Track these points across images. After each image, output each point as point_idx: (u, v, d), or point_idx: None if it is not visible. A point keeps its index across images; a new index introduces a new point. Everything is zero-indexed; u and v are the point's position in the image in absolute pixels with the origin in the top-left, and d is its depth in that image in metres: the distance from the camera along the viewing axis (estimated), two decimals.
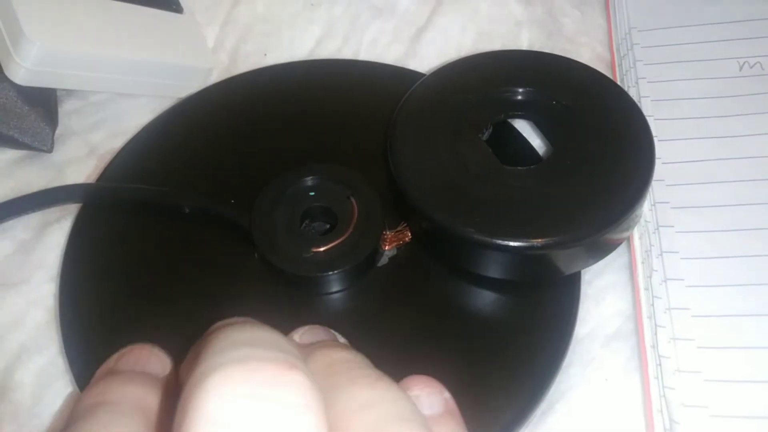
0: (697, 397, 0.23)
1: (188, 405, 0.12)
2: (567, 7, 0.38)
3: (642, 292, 0.26)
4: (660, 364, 0.24)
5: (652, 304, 0.25)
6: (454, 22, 0.38)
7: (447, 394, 0.18)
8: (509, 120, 0.29)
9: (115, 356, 0.19)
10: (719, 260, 0.26)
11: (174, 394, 0.16)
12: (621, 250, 0.27)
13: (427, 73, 0.30)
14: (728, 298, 0.25)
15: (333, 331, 0.20)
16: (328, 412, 0.13)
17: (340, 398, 0.14)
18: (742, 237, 0.26)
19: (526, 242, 0.24)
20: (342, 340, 0.20)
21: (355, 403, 0.14)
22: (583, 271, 0.27)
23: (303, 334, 0.19)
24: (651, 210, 0.28)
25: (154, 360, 0.19)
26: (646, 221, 0.28)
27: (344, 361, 0.16)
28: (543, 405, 0.25)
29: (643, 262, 0.27)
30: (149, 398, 0.17)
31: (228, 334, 0.14)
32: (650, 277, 0.26)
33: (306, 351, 0.16)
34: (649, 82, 0.32)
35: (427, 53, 0.36)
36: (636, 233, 0.28)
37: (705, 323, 0.24)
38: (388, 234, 0.27)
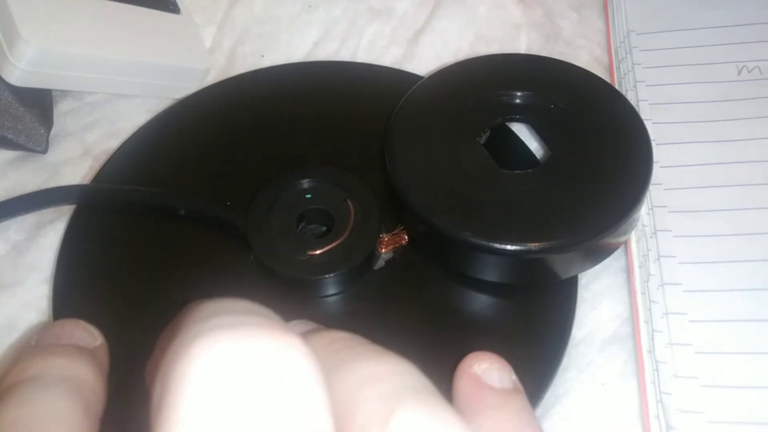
0: (694, 402, 0.23)
1: (172, 376, 0.11)
2: (565, 10, 0.38)
3: (639, 297, 0.26)
4: (657, 369, 0.24)
5: (649, 309, 0.25)
6: (452, 25, 0.37)
7: (515, 376, 0.18)
8: (507, 123, 0.29)
9: (35, 335, 0.18)
10: (717, 265, 0.26)
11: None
12: (618, 253, 0.27)
13: (425, 76, 0.30)
14: (726, 303, 0.25)
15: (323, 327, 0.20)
16: (335, 387, 0.12)
17: (347, 373, 0.13)
18: (741, 241, 0.26)
19: (523, 246, 0.24)
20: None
21: (364, 377, 0.13)
22: (579, 275, 0.27)
23: (294, 327, 0.19)
24: (648, 214, 0.28)
25: (80, 332, 0.18)
26: (643, 225, 0.27)
27: (345, 339, 0.15)
28: (539, 409, 0.24)
29: (640, 267, 0.27)
30: (76, 367, 0.16)
31: (207, 306, 0.13)
32: (647, 281, 0.26)
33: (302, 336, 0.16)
34: (647, 85, 0.32)
35: (424, 56, 0.36)
36: (633, 237, 0.28)
37: (702, 328, 0.24)
38: (385, 237, 0.27)
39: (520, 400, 0.17)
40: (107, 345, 0.18)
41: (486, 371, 0.18)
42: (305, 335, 0.15)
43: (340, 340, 0.14)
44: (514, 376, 0.18)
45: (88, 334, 0.18)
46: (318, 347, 0.14)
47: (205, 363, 0.11)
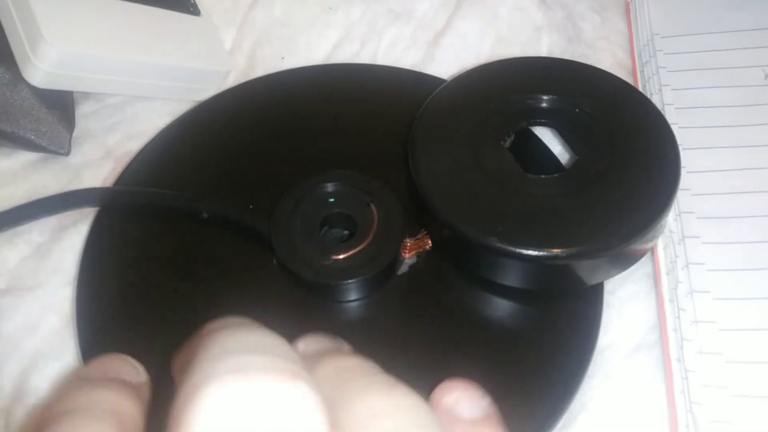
0: (725, 412, 0.22)
1: (182, 419, 0.12)
2: (587, 12, 0.37)
3: (667, 304, 0.26)
4: (686, 378, 0.23)
5: (678, 317, 0.25)
6: (473, 27, 0.37)
7: (488, 399, 0.18)
8: (531, 127, 0.28)
9: (84, 366, 0.19)
10: (747, 272, 0.25)
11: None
12: (644, 259, 0.27)
13: (447, 79, 0.30)
14: (757, 311, 0.24)
15: (340, 338, 0.20)
16: (341, 420, 0.13)
17: (353, 407, 0.14)
18: None
19: (548, 252, 0.23)
20: (347, 348, 0.20)
21: (370, 412, 0.14)
22: (605, 281, 0.26)
23: (307, 344, 0.19)
24: (676, 220, 0.27)
25: (127, 368, 0.19)
26: (670, 232, 0.27)
27: (355, 368, 0.15)
28: (565, 417, 0.24)
29: (668, 274, 0.26)
30: (121, 401, 0.17)
31: (223, 339, 0.13)
32: (675, 288, 0.26)
33: (312, 360, 0.16)
34: (672, 89, 0.31)
35: (445, 58, 0.36)
36: (660, 243, 0.27)
37: (733, 337, 0.24)
38: (409, 242, 0.27)
39: (490, 427, 0.17)
40: (150, 382, 0.19)
41: (455, 402, 0.18)
42: (316, 361, 0.16)
43: (351, 369, 0.15)
44: (484, 401, 0.18)
45: (134, 370, 0.19)
46: (328, 376, 0.15)
47: (213, 413, 0.11)
